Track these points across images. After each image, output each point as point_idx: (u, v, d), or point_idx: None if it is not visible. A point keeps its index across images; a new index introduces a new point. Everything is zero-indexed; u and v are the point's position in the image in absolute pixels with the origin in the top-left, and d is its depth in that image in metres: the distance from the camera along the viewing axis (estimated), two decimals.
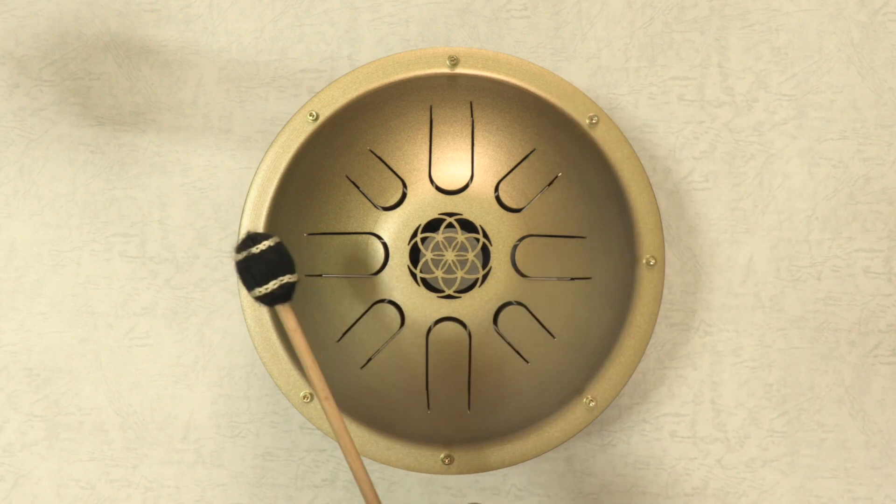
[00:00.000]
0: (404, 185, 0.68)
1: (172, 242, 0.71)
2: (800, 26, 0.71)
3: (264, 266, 0.52)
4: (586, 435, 0.70)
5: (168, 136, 0.72)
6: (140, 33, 0.72)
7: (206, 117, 0.71)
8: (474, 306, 0.67)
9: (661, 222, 0.64)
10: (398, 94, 0.66)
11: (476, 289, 0.67)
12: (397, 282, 0.67)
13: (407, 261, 0.67)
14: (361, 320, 0.67)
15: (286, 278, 0.53)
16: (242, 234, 0.54)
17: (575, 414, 0.63)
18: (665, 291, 0.70)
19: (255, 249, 0.53)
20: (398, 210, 0.67)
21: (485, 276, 0.67)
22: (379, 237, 0.67)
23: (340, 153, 0.67)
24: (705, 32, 0.71)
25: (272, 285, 0.52)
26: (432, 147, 0.68)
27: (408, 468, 0.63)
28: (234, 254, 0.53)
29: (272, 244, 0.53)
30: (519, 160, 0.67)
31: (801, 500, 0.70)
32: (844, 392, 0.70)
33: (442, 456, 0.63)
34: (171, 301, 0.71)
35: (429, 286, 0.67)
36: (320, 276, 0.67)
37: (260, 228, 0.64)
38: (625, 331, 0.64)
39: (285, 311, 0.53)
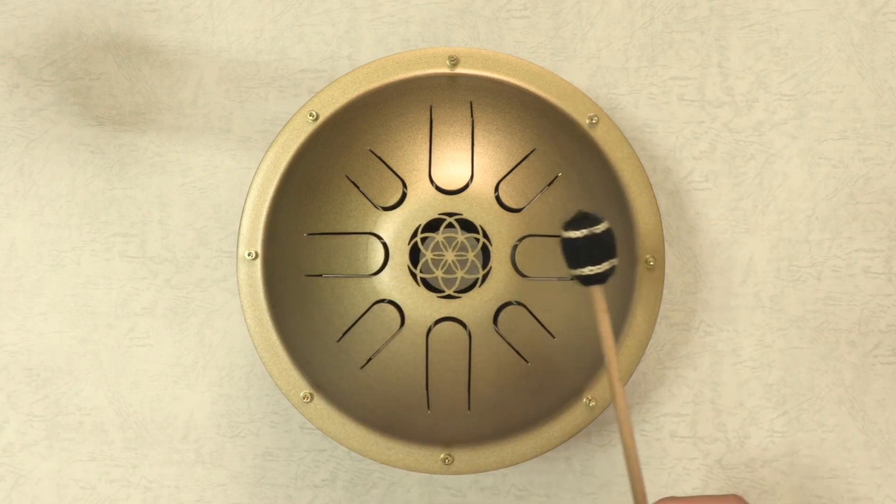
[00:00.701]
0: (404, 185, 0.68)
1: (172, 242, 0.71)
2: (800, 26, 0.71)
3: (602, 247, 0.54)
4: (586, 435, 0.70)
5: (168, 136, 0.72)
6: (140, 33, 0.72)
7: (206, 117, 0.71)
8: (474, 306, 0.67)
9: (661, 222, 0.64)
10: (398, 94, 0.66)
11: (476, 289, 0.67)
12: (397, 282, 0.67)
13: (407, 261, 0.67)
14: (361, 320, 0.67)
15: (615, 261, 0.55)
16: (575, 214, 0.55)
17: (575, 414, 0.63)
18: (665, 291, 0.70)
19: (598, 229, 0.54)
20: (398, 210, 0.67)
21: (485, 276, 0.67)
22: (379, 237, 0.67)
23: (340, 153, 0.67)
24: (705, 32, 0.71)
25: (605, 266, 0.54)
26: (432, 147, 0.68)
27: (408, 468, 0.63)
28: (567, 231, 0.54)
29: (609, 227, 0.54)
30: (519, 160, 0.67)
31: (801, 500, 0.69)
32: (844, 392, 0.70)
33: (442, 456, 0.63)
34: (171, 301, 0.71)
35: (429, 286, 0.67)
36: (320, 276, 0.67)
37: (260, 229, 0.64)
38: (625, 331, 0.64)
39: (599, 293, 0.55)
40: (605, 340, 0.55)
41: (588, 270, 0.54)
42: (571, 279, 0.57)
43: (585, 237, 0.54)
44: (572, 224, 0.54)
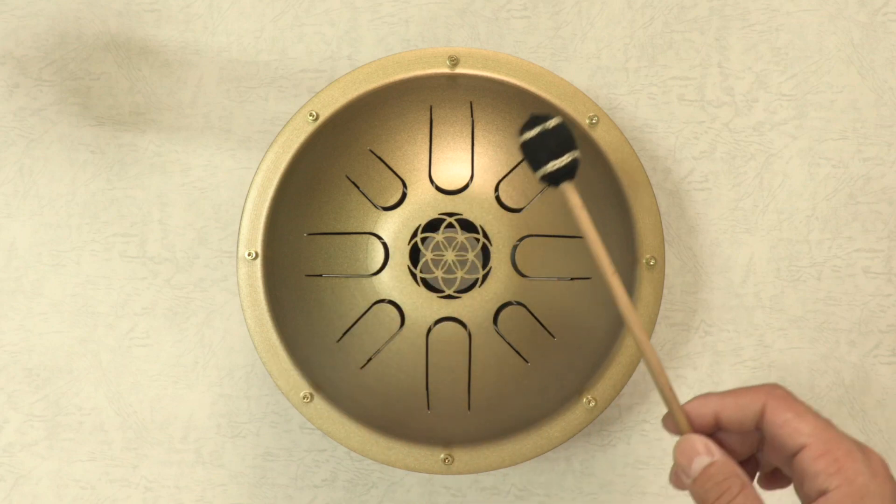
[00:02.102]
0: (404, 185, 0.68)
1: (172, 242, 0.71)
2: (800, 26, 0.71)
3: (557, 140, 0.53)
4: (586, 435, 0.70)
5: (168, 136, 0.72)
6: (140, 33, 0.72)
7: (206, 117, 0.71)
8: (474, 306, 0.67)
9: (661, 222, 0.64)
10: (398, 94, 0.66)
11: (476, 289, 0.67)
12: (397, 282, 0.67)
13: (407, 261, 0.67)
14: (361, 320, 0.67)
15: (577, 153, 0.53)
16: (527, 117, 0.54)
17: (575, 414, 0.63)
18: (665, 291, 0.70)
19: (550, 125, 0.53)
20: (398, 210, 0.67)
21: (485, 276, 0.67)
22: (379, 237, 0.67)
23: (340, 153, 0.67)
24: (705, 32, 0.71)
25: (567, 158, 0.53)
26: (432, 147, 0.68)
27: (408, 468, 0.63)
28: (521, 135, 0.54)
29: (562, 120, 0.53)
30: (519, 160, 0.67)
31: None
32: (844, 392, 0.70)
33: (442, 456, 0.63)
34: (171, 301, 0.71)
35: (429, 286, 0.67)
36: (320, 276, 0.67)
37: (260, 229, 0.64)
38: (625, 331, 0.64)
39: (571, 189, 0.53)
40: (589, 232, 0.52)
41: (551, 166, 0.53)
42: (542, 184, 0.56)
43: (539, 134, 0.53)
44: (525, 127, 0.54)
